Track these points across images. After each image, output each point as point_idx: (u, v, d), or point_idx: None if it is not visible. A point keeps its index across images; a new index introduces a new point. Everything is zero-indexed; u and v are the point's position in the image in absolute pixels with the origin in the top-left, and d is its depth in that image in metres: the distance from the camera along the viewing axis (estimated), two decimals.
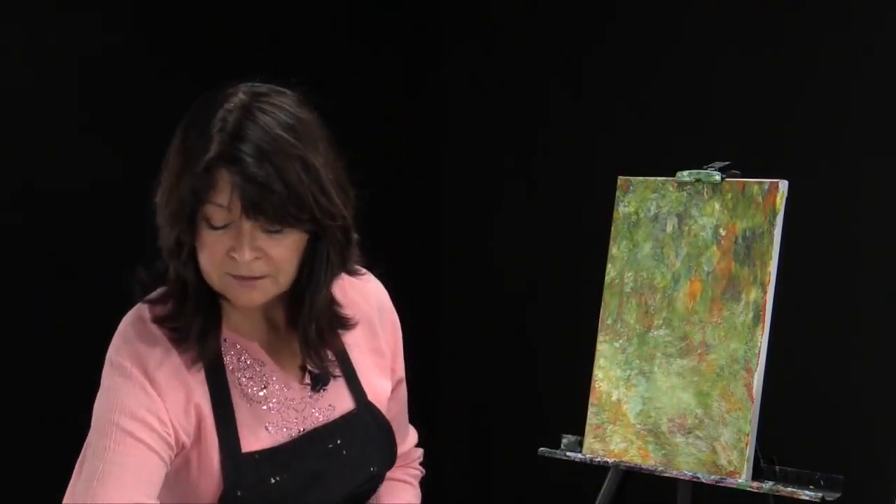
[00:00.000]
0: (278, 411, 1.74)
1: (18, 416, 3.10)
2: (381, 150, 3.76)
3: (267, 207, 1.59)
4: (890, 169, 3.18)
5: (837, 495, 2.40)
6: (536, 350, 3.87)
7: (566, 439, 2.74)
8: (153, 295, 1.72)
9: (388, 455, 1.84)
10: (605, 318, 2.69)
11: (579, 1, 3.77)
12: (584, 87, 3.77)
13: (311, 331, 1.73)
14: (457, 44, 4.08)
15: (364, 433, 1.79)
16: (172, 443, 1.66)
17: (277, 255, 1.64)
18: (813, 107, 3.29)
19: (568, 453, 2.71)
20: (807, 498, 2.39)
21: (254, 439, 1.71)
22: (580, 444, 2.69)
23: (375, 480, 1.82)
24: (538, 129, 3.88)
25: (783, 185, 2.50)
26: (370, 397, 1.82)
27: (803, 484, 2.44)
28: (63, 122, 3.13)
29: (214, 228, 1.62)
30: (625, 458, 2.62)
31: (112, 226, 3.15)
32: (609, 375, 2.66)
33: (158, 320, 1.69)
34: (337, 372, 1.79)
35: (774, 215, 2.49)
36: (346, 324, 1.79)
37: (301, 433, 1.74)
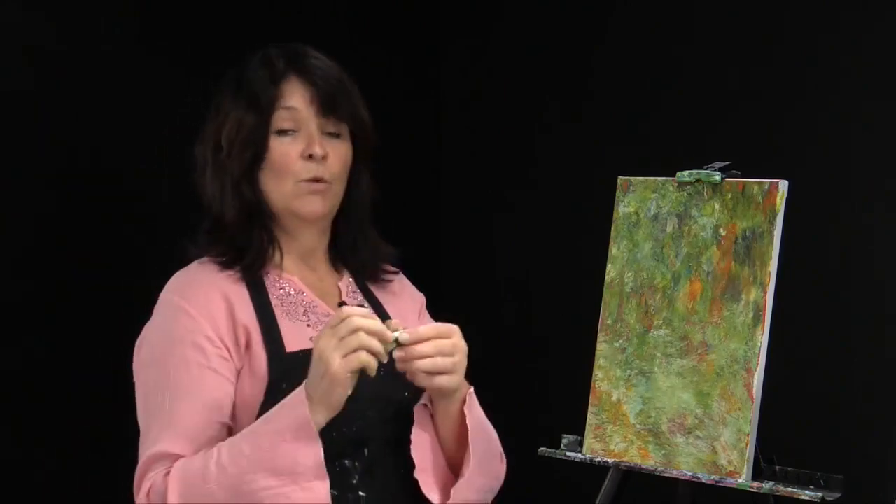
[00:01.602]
0: (318, 329, 1.85)
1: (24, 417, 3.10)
2: (380, 151, 3.75)
3: (338, 102, 1.84)
4: (890, 169, 3.18)
5: (837, 495, 2.39)
6: (536, 350, 3.87)
7: (566, 439, 2.74)
8: (210, 254, 1.88)
9: (413, 391, 1.88)
10: (605, 318, 2.69)
11: (580, 0, 3.77)
12: (585, 86, 3.76)
13: (351, 225, 1.94)
14: (456, 42, 4.07)
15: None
16: (227, 356, 1.76)
17: (336, 158, 1.87)
18: (813, 107, 3.29)
19: (568, 453, 2.71)
20: (807, 498, 2.39)
21: (296, 344, 1.81)
22: (580, 444, 2.69)
23: (409, 409, 1.87)
24: (538, 129, 3.88)
25: (783, 185, 2.50)
26: None
27: (803, 484, 2.44)
28: (63, 122, 3.13)
29: (285, 134, 1.83)
30: (625, 458, 2.62)
31: (116, 226, 3.15)
32: (609, 375, 2.66)
33: (210, 254, 1.85)
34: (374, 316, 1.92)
35: (774, 215, 2.49)
36: (388, 256, 2.00)
37: None
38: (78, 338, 3.04)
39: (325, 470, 1.68)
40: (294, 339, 1.82)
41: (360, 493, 1.79)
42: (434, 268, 4.06)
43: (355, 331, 1.65)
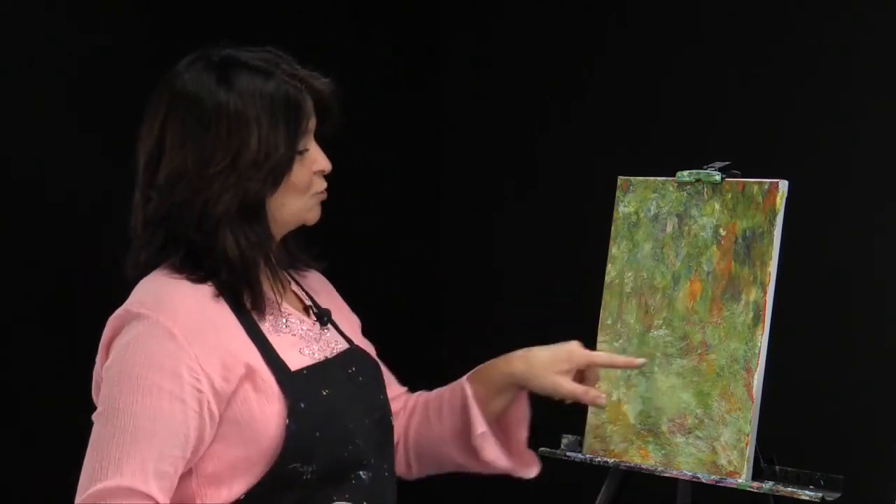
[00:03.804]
0: (303, 339, 1.82)
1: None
2: (380, 151, 3.76)
3: (335, 115, 1.83)
4: (891, 169, 3.18)
5: (837, 495, 2.39)
6: None
7: (566, 439, 2.74)
8: (172, 262, 1.75)
9: (385, 393, 1.92)
10: (605, 318, 2.69)
11: (580, 1, 3.77)
12: (585, 86, 3.76)
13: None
14: (456, 42, 4.07)
15: (367, 366, 1.90)
16: (205, 390, 1.67)
17: None
18: (813, 107, 3.29)
19: (568, 453, 2.71)
20: (807, 498, 2.39)
21: (295, 361, 1.77)
22: (580, 444, 2.69)
23: (387, 409, 1.89)
24: (538, 129, 3.88)
25: (783, 185, 2.49)
26: (357, 342, 1.94)
27: (803, 484, 2.44)
28: (61, 122, 3.13)
29: (301, 154, 1.77)
30: (625, 458, 2.62)
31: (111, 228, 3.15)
32: (609, 375, 2.66)
33: (185, 275, 1.73)
34: (325, 319, 1.90)
35: (774, 215, 2.49)
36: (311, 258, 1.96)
37: (327, 358, 1.83)
38: (75, 338, 3.05)
39: None
40: (289, 355, 1.78)
41: (365, 502, 1.79)
42: (434, 268, 4.06)
43: None
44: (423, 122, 4.03)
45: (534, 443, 2.78)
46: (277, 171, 1.75)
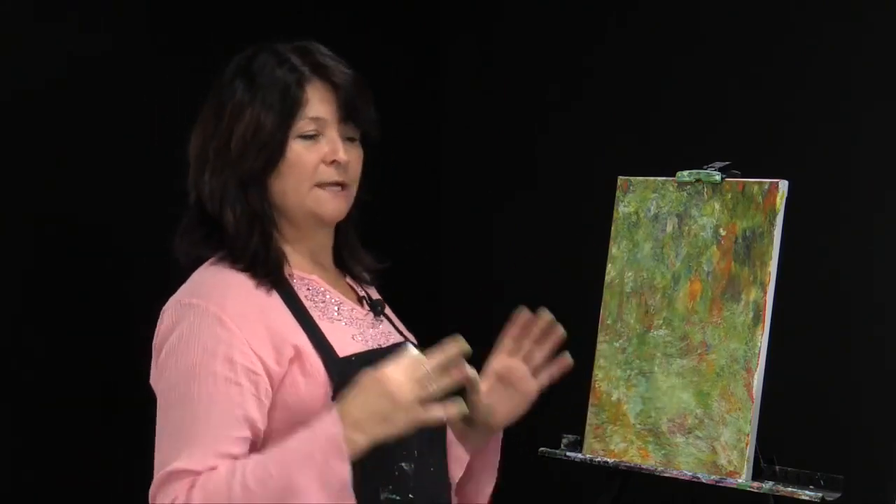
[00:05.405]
0: (357, 327, 1.86)
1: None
2: (380, 151, 3.75)
3: (360, 109, 1.85)
4: (890, 169, 3.18)
5: (837, 495, 2.40)
6: None
7: (566, 439, 2.74)
8: (221, 255, 1.81)
9: None
10: (605, 318, 2.69)
11: (580, 0, 3.77)
12: (585, 86, 3.76)
13: (349, 226, 1.95)
14: (457, 42, 4.07)
15: None
16: (260, 371, 1.71)
17: (355, 162, 1.88)
18: (813, 107, 3.29)
19: (568, 453, 2.71)
20: (807, 498, 2.39)
21: (346, 347, 1.80)
22: (580, 444, 2.69)
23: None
24: (538, 129, 3.88)
25: (783, 185, 2.50)
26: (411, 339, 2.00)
27: (803, 484, 2.44)
28: (63, 123, 3.13)
29: (306, 139, 1.80)
30: (625, 458, 2.62)
31: (115, 227, 3.15)
32: (609, 375, 2.67)
33: (230, 265, 1.79)
34: (378, 309, 1.95)
35: (774, 215, 2.49)
36: (374, 263, 2.00)
37: (380, 346, 1.86)
38: (74, 340, 3.05)
39: (351, 492, 1.67)
40: (339, 341, 1.80)
41: (410, 495, 1.81)
42: (434, 268, 4.06)
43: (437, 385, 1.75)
44: (424, 122, 4.03)
45: (534, 443, 2.79)
46: (268, 149, 1.79)
